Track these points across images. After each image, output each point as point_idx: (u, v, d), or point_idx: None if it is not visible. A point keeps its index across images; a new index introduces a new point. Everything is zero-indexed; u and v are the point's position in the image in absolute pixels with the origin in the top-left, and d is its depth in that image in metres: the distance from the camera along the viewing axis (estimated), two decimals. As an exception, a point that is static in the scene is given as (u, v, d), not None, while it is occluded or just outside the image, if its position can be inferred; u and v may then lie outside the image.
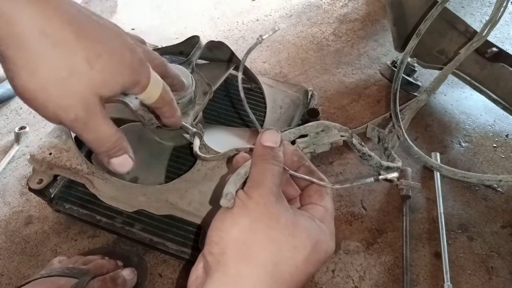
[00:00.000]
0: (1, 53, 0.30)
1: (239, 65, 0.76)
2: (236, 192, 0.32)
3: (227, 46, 0.73)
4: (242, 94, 0.39)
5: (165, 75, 0.44)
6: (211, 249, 0.31)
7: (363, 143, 0.43)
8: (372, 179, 0.34)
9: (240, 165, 0.35)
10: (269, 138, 0.34)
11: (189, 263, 0.65)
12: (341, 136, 0.40)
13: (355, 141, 0.41)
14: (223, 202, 0.32)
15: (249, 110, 0.39)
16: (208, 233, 0.32)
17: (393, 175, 0.35)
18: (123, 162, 0.38)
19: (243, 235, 0.31)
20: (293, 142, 0.41)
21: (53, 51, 0.30)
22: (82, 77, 0.32)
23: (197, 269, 0.33)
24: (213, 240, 0.31)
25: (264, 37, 0.39)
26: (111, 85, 0.34)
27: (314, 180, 0.35)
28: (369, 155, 0.44)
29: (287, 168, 0.35)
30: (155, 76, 0.39)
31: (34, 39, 0.30)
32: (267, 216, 0.31)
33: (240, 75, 0.39)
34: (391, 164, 0.51)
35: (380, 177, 0.34)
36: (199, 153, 0.56)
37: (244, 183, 0.33)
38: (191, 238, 0.63)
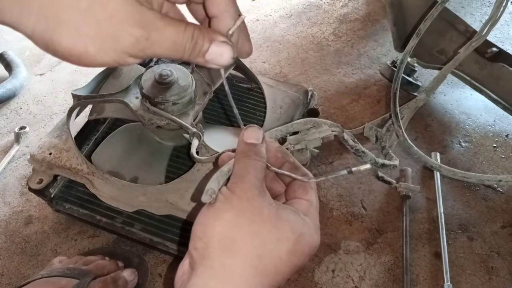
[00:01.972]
0: (28, 36, 0.27)
1: (239, 65, 0.76)
2: (220, 188, 0.33)
3: (227, 46, 0.72)
4: (227, 88, 0.38)
5: None
6: (195, 244, 0.32)
7: (355, 140, 0.43)
8: (345, 171, 0.35)
9: (225, 163, 0.35)
10: (251, 135, 0.34)
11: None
12: (332, 131, 0.40)
13: (346, 136, 0.42)
14: (204, 198, 0.32)
15: (233, 104, 0.39)
16: (193, 228, 0.33)
17: (366, 166, 0.35)
18: (217, 51, 0.31)
19: (226, 229, 0.31)
20: (284, 140, 0.41)
21: None
22: None
23: (184, 265, 0.33)
24: (197, 235, 0.32)
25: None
26: None
27: (292, 174, 0.36)
28: (363, 152, 0.44)
29: (269, 165, 0.36)
30: None
31: None
32: (249, 210, 0.31)
33: (223, 73, 0.37)
34: (386, 162, 0.51)
35: (353, 169, 0.35)
36: (195, 154, 0.56)
37: (228, 180, 0.34)
38: (190, 237, 0.63)
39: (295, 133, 0.41)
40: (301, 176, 0.36)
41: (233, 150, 0.36)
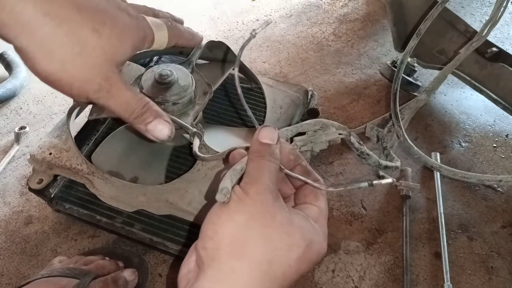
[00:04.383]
0: (14, 46, 0.32)
1: (239, 65, 0.76)
2: (232, 187, 0.32)
3: (227, 46, 0.73)
4: (239, 90, 0.39)
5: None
6: (205, 243, 0.31)
7: (361, 142, 0.43)
8: (366, 183, 0.34)
9: (236, 161, 0.35)
10: (267, 135, 0.34)
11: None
12: (339, 134, 0.40)
13: (353, 139, 0.41)
14: (218, 197, 0.31)
15: (247, 107, 0.39)
16: (202, 227, 0.32)
17: (388, 181, 0.34)
18: (160, 126, 0.38)
19: (238, 231, 0.31)
20: (291, 140, 0.41)
21: (61, 29, 0.31)
22: (94, 47, 0.33)
23: (189, 263, 0.33)
24: (207, 235, 0.31)
25: (257, 31, 0.39)
26: (122, 49, 0.35)
27: (309, 181, 0.35)
28: (367, 154, 0.44)
29: (282, 167, 0.35)
30: (153, 21, 0.39)
31: (41, 23, 0.31)
32: (263, 213, 0.31)
33: (236, 71, 0.39)
34: (389, 164, 0.51)
35: (374, 182, 0.34)
36: (198, 153, 0.56)
37: (240, 179, 0.33)
38: (191, 238, 0.63)
39: (301, 133, 0.41)
40: (313, 181, 0.35)
41: (246, 148, 0.36)
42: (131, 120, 0.37)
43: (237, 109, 0.76)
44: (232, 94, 0.78)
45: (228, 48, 0.73)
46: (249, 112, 0.39)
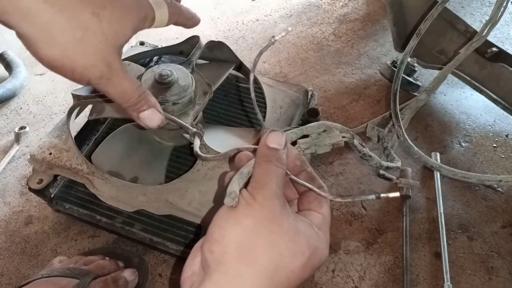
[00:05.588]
0: (16, 32, 0.32)
1: (239, 64, 0.76)
2: (240, 191, 0.32)
3: (227, 46, 0.73)
4: (253, 95, 0.38)
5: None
6: (211, 246, 0.31)
7: (363, 144, 0.43)
8: (373, 196, 0.35)
9: (243, 163, 0.35)
10: (275, 139, 0.34)
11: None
12: (343, 137, 0.40)
13: (356, 142, 0.42)
14: (227, 201, 0.31)
15: (258, 110, 0.38)
16: (209, 230, 0.32)
17: (395, 194, 0.34)
18: (151, 116, 0.39)
19: (246, 236, 0.30)
20: (294, 143, 0.41)
21: (62, 15, 0.31)
22: (95, 33, 0.33)
23: (193, 264, 0.33)
24: (214, 238, 0.31)
25: (276, 38, 0.38)
26: (123, 32, 0.35)
27: (315, 189, 0.35)
28: (370, 156, 0.44)
29: (288, 173, 0.35)
30: (154, 0, 0.39)
31: (41, 10, 0.31)
32: (270, 219, 0.31)
33: (252, 77, 0.39)
34: (390, 164, 0.52)
35: (382, 195, 0.34)
36: (199, 153, 0.56)
37: (247, 183, 0.33)
38: (191, 238, 0.63)
39: (305, 136, 0.41)
40: (317, 187, 0.35)
41: (253, 151, 0.36)
42: (125, 107, 0.38)
43: (237, 109, 0.76)
44: (232, 94, 0.78)
45: (228, 48, 0.73)
46: (259, 116, 0.38)
